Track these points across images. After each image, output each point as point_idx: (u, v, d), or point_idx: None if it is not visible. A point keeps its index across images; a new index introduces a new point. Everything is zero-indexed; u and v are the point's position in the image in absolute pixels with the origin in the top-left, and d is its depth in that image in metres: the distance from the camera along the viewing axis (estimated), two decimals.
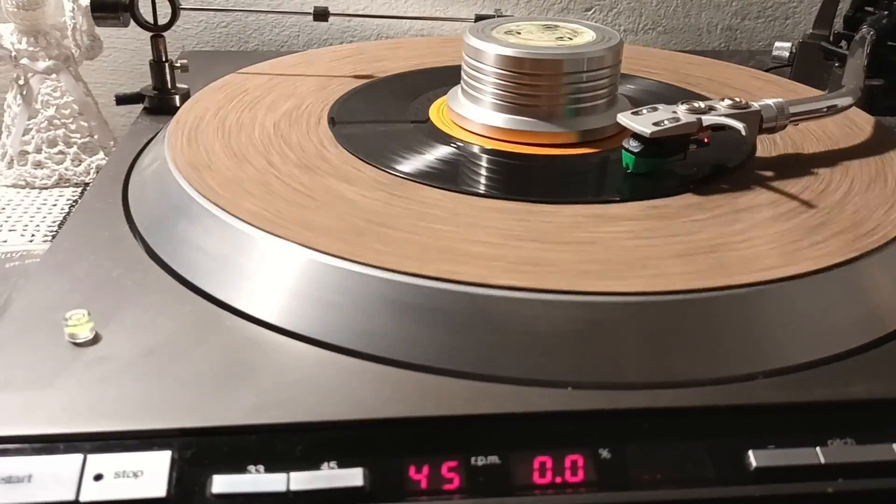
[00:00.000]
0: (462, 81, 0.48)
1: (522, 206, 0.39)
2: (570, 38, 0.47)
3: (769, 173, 0.43)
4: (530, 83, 0.45)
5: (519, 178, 0.43)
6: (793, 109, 0.44)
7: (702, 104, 0.42)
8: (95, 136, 0.65)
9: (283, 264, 0.35)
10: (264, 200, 0.38)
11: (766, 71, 0.67)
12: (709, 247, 0.36)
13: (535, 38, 0.47)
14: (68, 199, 0.63)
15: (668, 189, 0.41)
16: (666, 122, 0.41)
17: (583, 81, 0.45)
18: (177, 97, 0.56)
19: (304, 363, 0.32)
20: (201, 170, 0.41)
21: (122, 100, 0.56)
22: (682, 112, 0.42)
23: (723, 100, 0.43)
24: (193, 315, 0.34)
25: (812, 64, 0.63)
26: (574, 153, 0.45)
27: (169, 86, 0.56)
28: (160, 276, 0.36)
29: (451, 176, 0.42)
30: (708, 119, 0.41)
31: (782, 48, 0.65)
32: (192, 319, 0.34)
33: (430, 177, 0.41)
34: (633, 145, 0.42)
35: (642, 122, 0.41)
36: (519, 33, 0.48)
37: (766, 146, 0.46)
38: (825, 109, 0.46)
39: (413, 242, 0.35)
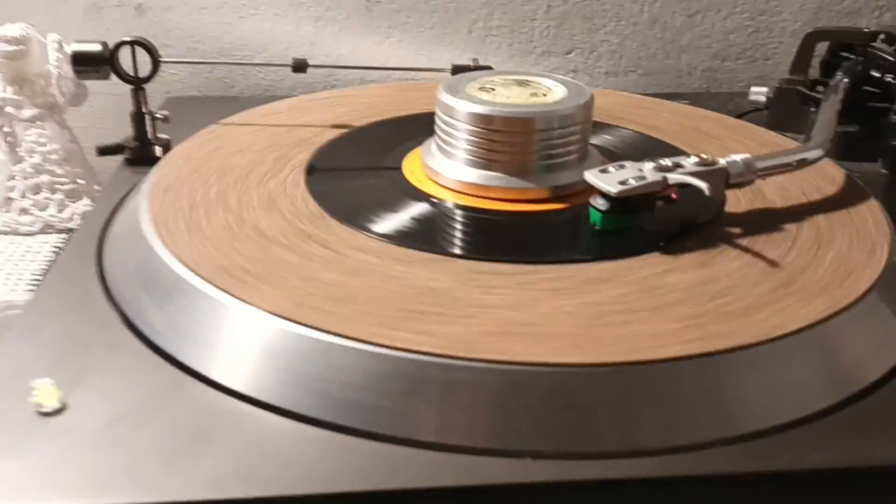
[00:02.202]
0: (435, 135, 0.48)
1: (490, 266, 0.39)
2: (543, 94, 0.48)
3: (737, 230, 0.43)
4: (501, 140, 0.45)
5: (489, 237, 0.44)
6: (760, 165, 0.44)
7: (668, 161, 0.43)
8: (80, 183, 0.66)
9: (250, 331, 0.35)
10: (235, 265, 0.38)
11: (742, 115, 0.68)
12: (672, 311, 0.36)
13: (507, 93, 0.47)
14: (53, 246, 0.63)
15: (635, 247, 0.41)
16: (631, 180, 0.41)
17: (553, 138, 0.46)
18: (158, 148, 0.57)
19: (268, 433, 0.32)
20: (173, 232, 0.41)
21: (103, 151, 0.57)
22: (648, 170, 0.42)
23: (690, 156, 0.43)
24: (160, 381, 0.34)
25: (789, 109, 0.64)
26: (543, 209, 0.45)
27: (150, 137, 0.57)
28: (129, 341, 0.37)
29: (421, 235, 0.42)
30: (673, 177, 0.42)
31: (759, 93, 0.66)
32: (158, 386, 0.34)
33: (402, 237, 0.42)
34: (599, 203, 0.42)
35: (608, 181, 0.42)
36: (493, 89, 0.48)
37: (735, 200, 0.47)
38: (794, 164, 0.47)
39: (379, 309, 0.35)
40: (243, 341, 0.35)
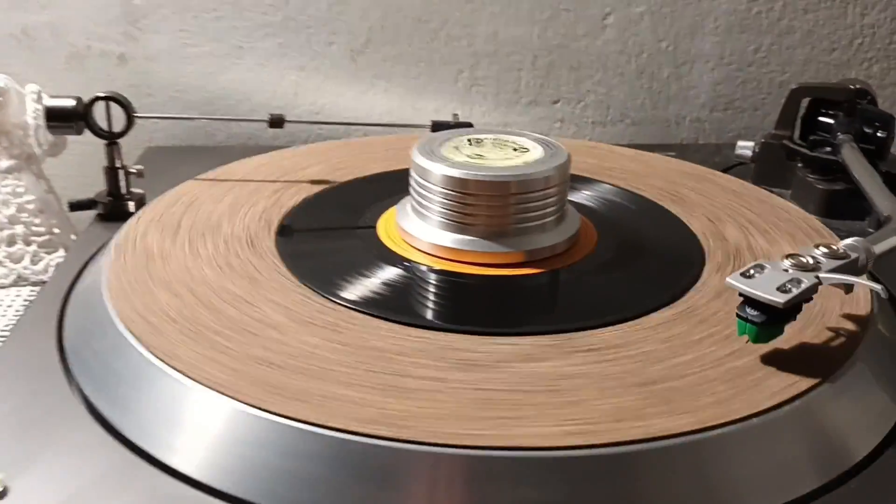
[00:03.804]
0: (410, 196, 0.47)
1: (460, 339, 0.38)
2: (520, 154, 0.47)
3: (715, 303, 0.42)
4: (475, 203, 0.44)
5: (456, 304, 0.43)
6: (877, 250, 0.41)
7: (806, 259, 0.39)
8: (56, 233, 0.65)
9: (209, 415, 0.34)
10: (198, 343, 0.37)
11: (729, 169, 0.67)
12: (643, 389, 0.35)
13: (483, 153, 0.47)
14: (25, 299, 0.62)
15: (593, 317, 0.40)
16: (790, 286, 0.37)
17: (529, 202, 0.45)
18: (131, 203, 0.56)
19: None
20: (135, 305, 0.40)
21: (74, 206, 0.56)
22: (794, 271, 0.38)
23: (818, 247, 0.40)
24: (111, 464, 0.33)
25: (774, 163, 0.63)
26: (517, 273, 0.44)
27: (123, 192, 0.56)
28: (82, 417, 0.35)
29: (389, 303, 0.41)
30: (828, 277, 0.38)
31: (745, 147, 0.65)
32: (108, 469, 0.32)
33: (372, 304, 0.40)
34: (753, 314, 0.37)
35: (765, 289, 0.36)
36: (468, 147, 0.47)
37: (714, 262, 0.46)
38: None
39: (342, 391, 0.34)
40: (201, 425, 0.34)
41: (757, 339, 0.37)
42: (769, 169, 0.64)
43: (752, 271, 0.38)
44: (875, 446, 0.36)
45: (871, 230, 0.57)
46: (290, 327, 0.38)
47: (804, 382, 0.36)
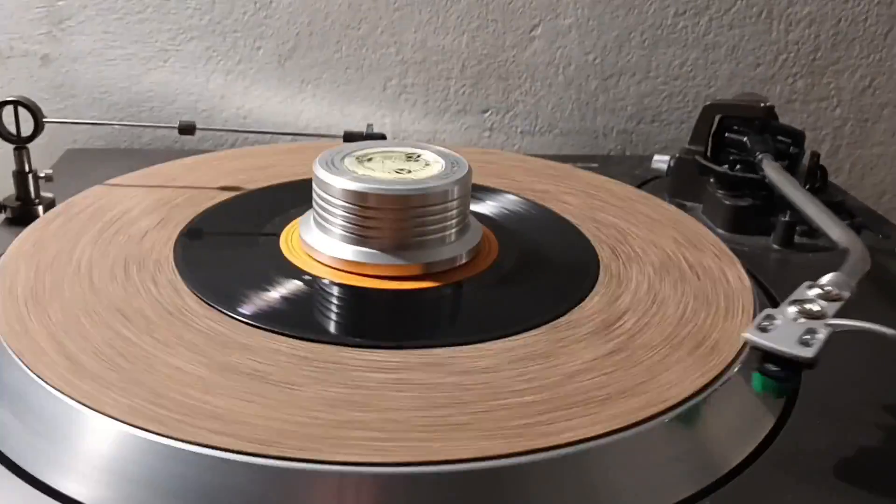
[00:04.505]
0: (313, 208, 0.48)
1: (352, 354, 0.38)
2: (422, 168, 0.47)
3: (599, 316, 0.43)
4: (375, 217, 0.45)
5: (351, 317, 0.44)
6: (853, 282, 0.41)
7: (811, 307, 0.38)
8: None
9: (104, 444, 0.33)
10: (89, 368, 0.36)
11: (645, 183, 0.69)
12: (517, 402, 0.36)
13: (385, 167, 0.47)
14: None
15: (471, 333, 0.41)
16: (808, 338, 0.36)
17: (428, 215, 0.45)
18: (40, 208, 0.55)
19: None
20: (26, 328, 0.39)
21: None
22: (805, 320, 0.37)
23: (811, 287, 0.40)
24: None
25: (688, 178, 0.65)
26: (412, 287, 0.45)
27: (33, 196, 0.55)
28: None
29: (285, 317, 0.41)
30: (842, 323, 0.37)
31: (661, 161, 0.66)
32: None
33: (265, 318, 0.41)
34: (775, 370, 0.36)
35: (787, 344, 0.35)
36: (370, 160, 0.48)
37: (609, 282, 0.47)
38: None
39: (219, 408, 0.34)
40: (97, 454, 0.33)
41: (780, 395, 0.37)
42: (683, 183, 0.65)
43: (764, 322, 0.37)
44: (749, 453, 0.37)
45: (775, 245, 0.58)
46: (179, 343, 0.38)
47: (682, 392, 0.37)
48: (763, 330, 0.36)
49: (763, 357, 0.36)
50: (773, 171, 0.58)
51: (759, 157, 0.60)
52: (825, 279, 0.40)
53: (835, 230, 0.50)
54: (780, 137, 0.63)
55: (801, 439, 0.38)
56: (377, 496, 0.32)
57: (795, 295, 0.39)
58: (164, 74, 0.74)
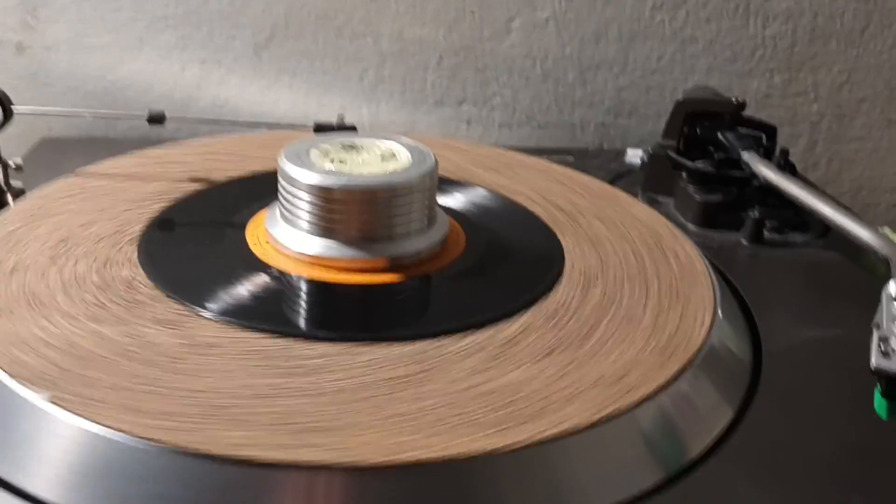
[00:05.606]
0: (279, 201, 0.48)
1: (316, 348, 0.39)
2: (388, 161, 0.47)
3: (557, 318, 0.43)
4: (339, 210, 0.45)
5: (315, 311, 0.44)
6: None
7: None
8: None
9: (60, 438, 0.33)
10: (49, 360, 0.36)
11: (619, 177, 0.69)
12: (483, 399, 0.36)
13: (351, 159, 0.47)
14: None
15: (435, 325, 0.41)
16: None
17: (393, 208, 0.45)
18: (9, 197, 0.55)
19: None
20: None
21: None
22: None
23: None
24: None
25: (661, 173, 0.65)
26: (375, 281, 0.45)
27: (2, 186, 0.55)
28: None
29: (249, 311, 0.42)
30: None
31: (634, 155, 0.67)
32: None
33: (232, 312, 0.41)
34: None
35: None
36: (336, 153, 0.48)
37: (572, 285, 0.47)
38: None
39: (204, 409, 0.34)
40: (57, 452, 0.33)
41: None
42: (655, 178, 0.65)
43: (883, 347, 0.37)
44: (709, 444, 0.38)
45: (744, 241, 0.59)
46: (144, 337, 0.39)
47: (645, 388, 0.37)
48: (886, 355, 0.36)
49: (888, 381, 0.36)
50: (765, 170, 0.58)
51: (745, 155, 0.60)
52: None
53: (867, 234, 0.48)
54: (748, 131, 0.63)
55: (759, 433, 0.39)
56: (344, 496, 0.32)
57: (887, 310, 0.38)
58: (139, 64, 0.74)
